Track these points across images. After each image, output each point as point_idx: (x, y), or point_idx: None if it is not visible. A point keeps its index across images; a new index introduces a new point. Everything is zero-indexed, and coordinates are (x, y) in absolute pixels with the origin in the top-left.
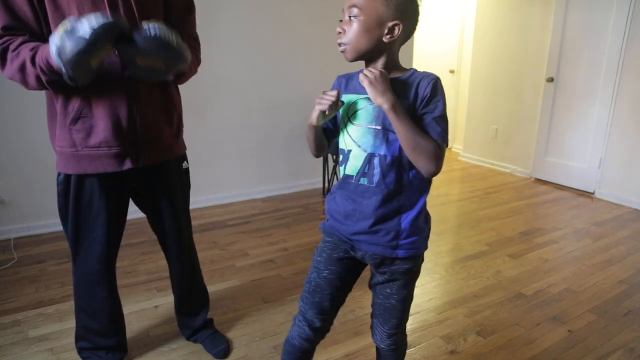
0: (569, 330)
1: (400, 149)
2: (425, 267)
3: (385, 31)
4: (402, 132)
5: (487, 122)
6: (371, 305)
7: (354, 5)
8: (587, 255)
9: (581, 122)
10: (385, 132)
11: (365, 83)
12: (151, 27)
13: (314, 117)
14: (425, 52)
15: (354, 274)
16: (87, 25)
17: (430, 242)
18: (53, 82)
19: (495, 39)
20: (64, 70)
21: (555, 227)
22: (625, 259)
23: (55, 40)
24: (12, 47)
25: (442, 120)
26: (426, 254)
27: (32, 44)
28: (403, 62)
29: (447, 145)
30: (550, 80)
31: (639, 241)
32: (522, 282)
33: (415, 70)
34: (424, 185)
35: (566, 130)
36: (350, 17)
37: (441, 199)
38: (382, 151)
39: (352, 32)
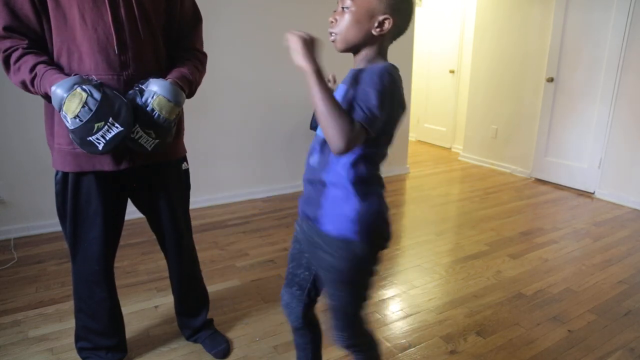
0: (569, 330)
1: None
2: (425, 267)
3: (375, 24)
4: (316, 98)
5: (487, 122)
6: None
7: None
8: (587, 255)
9: (581, 122)
10: None
11: (290, 43)
12: (153, 103)
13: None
14: (426, 52)
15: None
16: (101, 138)
17: (430, 242)
18: None
19: (495, 39)
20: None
21: (555, 227)
22: (625, 259)
23: (69, 123)
24: (13, 58)
25: (369, 108)
26: (426, 254)
27: (31, 61)
28: (402, 62)
29: (366, 130)
30: (550, 80)
31: (639, 241)
32: (522, 282)
33: (385, 64)
34: (353, 171)
35: (566, 130)
36: (343, 7)
37: (441, 199)
38: (320, 131)
39: (342, 23)
